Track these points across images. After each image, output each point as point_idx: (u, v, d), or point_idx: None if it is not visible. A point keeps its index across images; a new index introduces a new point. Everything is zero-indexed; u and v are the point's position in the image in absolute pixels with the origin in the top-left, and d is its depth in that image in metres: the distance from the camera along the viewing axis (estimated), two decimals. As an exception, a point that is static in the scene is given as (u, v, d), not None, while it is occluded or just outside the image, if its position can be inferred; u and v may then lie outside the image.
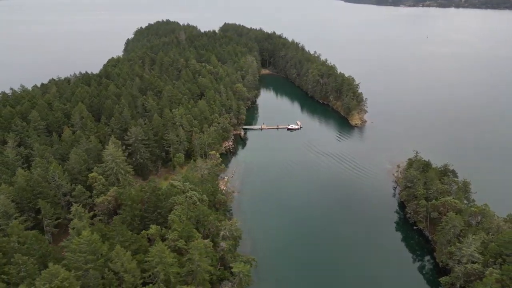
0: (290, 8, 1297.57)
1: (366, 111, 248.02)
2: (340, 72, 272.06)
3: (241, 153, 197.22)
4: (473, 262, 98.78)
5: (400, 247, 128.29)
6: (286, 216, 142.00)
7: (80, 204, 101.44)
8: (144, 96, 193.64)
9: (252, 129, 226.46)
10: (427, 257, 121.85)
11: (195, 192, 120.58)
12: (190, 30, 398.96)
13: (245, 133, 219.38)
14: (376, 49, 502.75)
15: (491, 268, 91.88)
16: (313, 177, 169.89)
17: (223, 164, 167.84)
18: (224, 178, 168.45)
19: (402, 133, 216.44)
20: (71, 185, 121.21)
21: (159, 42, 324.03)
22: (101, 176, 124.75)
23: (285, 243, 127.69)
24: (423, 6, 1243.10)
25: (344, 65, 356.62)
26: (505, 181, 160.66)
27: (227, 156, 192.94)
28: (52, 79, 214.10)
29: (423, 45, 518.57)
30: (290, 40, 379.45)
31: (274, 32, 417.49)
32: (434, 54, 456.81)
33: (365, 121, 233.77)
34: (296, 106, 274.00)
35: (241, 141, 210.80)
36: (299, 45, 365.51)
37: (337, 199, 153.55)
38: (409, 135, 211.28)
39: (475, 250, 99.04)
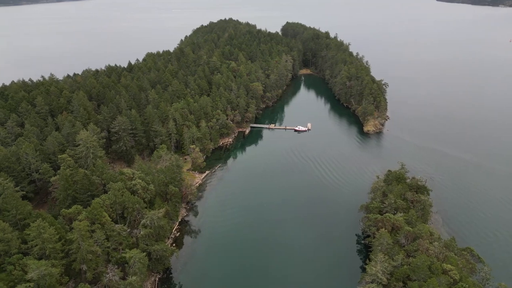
0: (378, 7, 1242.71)
1: (387, 118, 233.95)
2: (369, 76, 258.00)
3: (236, 150, 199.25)
4: (378, 283, 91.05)
5: (348, 259, 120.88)
6: (247, 217, 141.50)
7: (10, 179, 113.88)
8: (153, 89, 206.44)
9: (260, 128, 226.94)
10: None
11: (140, 181, 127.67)
12: (241, 28, 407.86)
13: (250, 132, 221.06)
14: (445, 51, 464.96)
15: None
16: (295, 182, 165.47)
17: (202, 159, 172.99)
18: (204, 173, 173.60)
19: (416, 144, 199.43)
20: (41, 163, 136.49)
21: (201, 40, 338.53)
22: (70, 158, 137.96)
23: (230, 242, 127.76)
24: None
25: (400, 66, 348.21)
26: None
27: (222, 151, 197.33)
28: (85, 70, 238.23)
29: (500, 50, 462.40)
30: (343, 41, 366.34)
31: (327, 32, 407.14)
32: (504, 61, 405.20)
33: (381, 128, 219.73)
34: (317, 108, 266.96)
35: (242, 139, 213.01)
36: (348, 45, 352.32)
37: (310, 206, 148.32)
38: (423, 148, 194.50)
39: (380, 271, 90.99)
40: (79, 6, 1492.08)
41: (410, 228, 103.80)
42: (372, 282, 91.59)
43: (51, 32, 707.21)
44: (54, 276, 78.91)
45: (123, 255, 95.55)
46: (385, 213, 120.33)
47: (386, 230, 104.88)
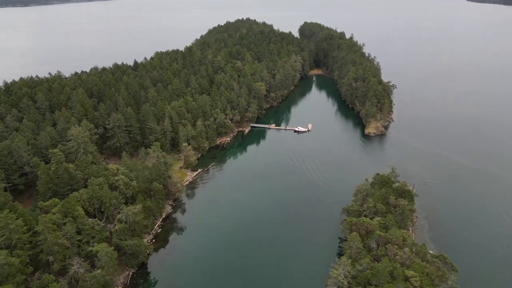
0: (406, 7, 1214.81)
1: (391, 120, 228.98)
2: (376, 77, 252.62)
3: (233, 150, 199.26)
4: (340, 286, 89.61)
5: (328, 261, 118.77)
6: (234, 216, 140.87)
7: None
8: (153, 87, 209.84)
9: (260, 128, 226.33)
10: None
11: (123, 177, 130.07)
12: (254, 28, 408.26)
13: (250, 131, 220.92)
14: (467, 51, 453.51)
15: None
16: (287, 183, 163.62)
17: (194, 157, 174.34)
18: (196, 171, 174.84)
19: (417, 147, 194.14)
20: (33, 157, 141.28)
21: (211, 39, 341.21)
22: (60, 152, 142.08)
23: (212, 240, 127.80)
24: None
25: (418, 66, 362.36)
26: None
27: (218, 150, 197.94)
28: (92, 67, 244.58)
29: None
30: (357, 41, 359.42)
31: (343, 32, 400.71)
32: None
33: (383, 131, 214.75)
34: (322, 109, 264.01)
35: (241, 138, 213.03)
36: (361, 46, 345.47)
37: (301, 206, 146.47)
38: (423, 151, 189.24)
39: (342, 274, 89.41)
40: (108, 6, 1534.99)
41: (381, 233, 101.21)
42: (335, 285, 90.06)
43: (79, 31, 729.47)
44: (14, 266, 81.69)
45: (91, 248, 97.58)
46: (364, 216, 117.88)
47: (357, 234, 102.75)
